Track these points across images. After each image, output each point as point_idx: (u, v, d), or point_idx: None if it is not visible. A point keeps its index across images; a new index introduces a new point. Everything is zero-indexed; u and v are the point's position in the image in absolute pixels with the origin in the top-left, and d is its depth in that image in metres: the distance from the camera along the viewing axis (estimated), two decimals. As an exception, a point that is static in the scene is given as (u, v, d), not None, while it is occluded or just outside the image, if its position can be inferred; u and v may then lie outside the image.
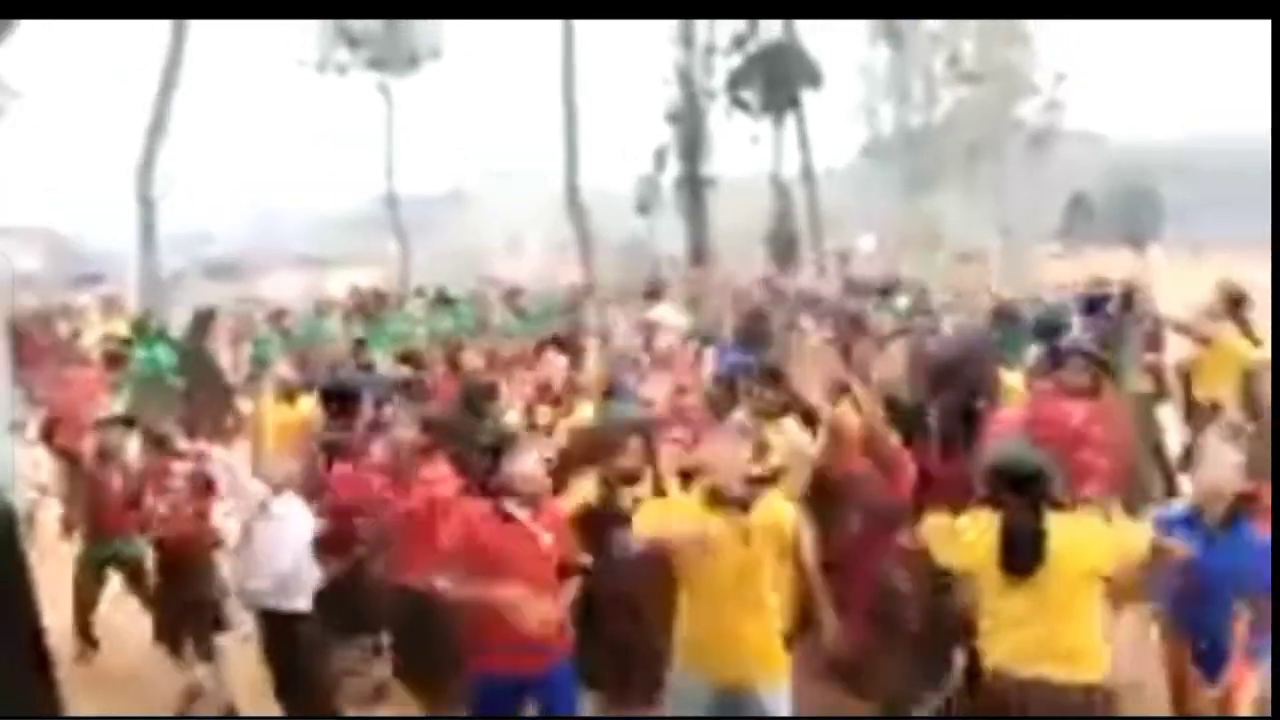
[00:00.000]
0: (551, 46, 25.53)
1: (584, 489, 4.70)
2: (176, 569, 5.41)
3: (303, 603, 4.76)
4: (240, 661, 5.51)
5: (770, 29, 25.48)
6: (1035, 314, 8.30)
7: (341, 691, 5.16)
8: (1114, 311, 7.98)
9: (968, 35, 29.34)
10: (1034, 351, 6.63)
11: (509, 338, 10.73)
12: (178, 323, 11.54)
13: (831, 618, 4.26)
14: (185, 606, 5.38)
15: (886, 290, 11.28)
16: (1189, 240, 28.69)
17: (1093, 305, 8.36)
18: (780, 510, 3.93)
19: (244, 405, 8.91)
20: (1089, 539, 3.60)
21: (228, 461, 5.25)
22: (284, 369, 7.47)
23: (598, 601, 4.43)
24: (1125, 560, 3.61)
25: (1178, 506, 4.25)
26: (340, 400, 5.92)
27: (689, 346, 8.00)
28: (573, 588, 4.24)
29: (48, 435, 7.77)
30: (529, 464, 4.13)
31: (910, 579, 4.39)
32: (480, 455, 4.26)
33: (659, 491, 4.53)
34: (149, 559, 5.77)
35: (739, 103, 25.93)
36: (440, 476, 4.86)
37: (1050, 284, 13.81)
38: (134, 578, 6.00)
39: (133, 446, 5.96)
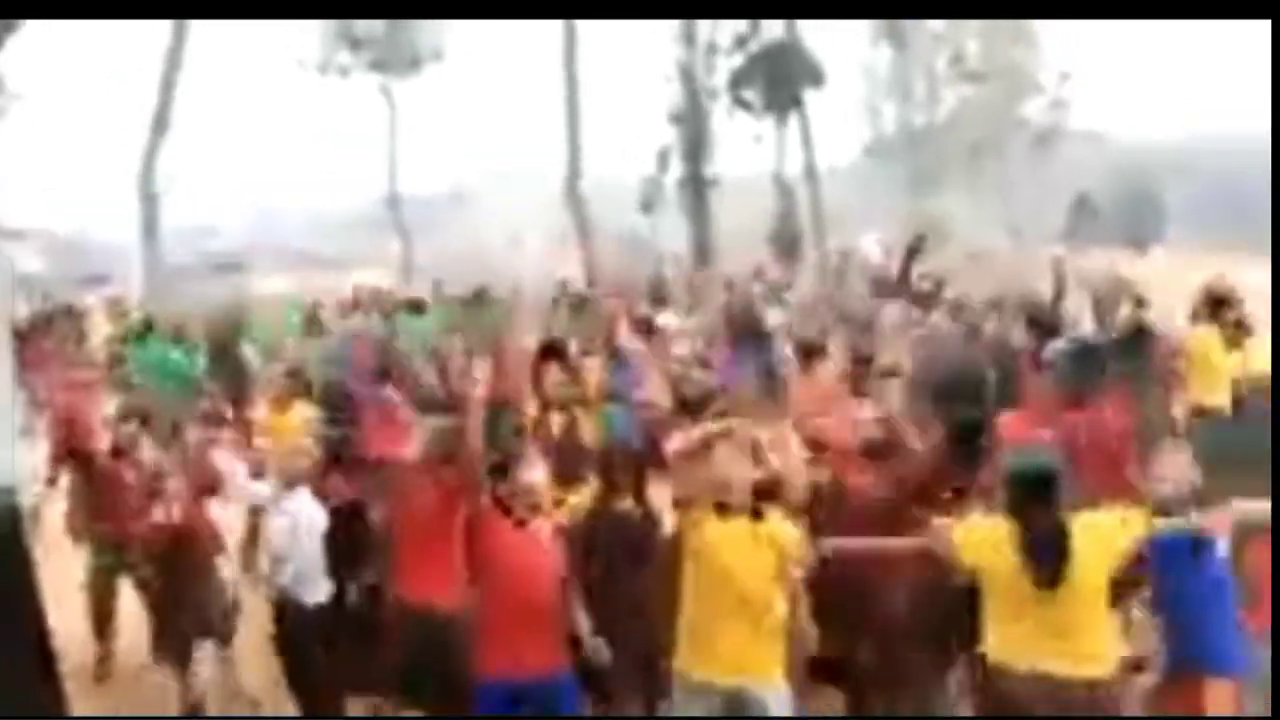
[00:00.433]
0: (553, 46, 25.60)
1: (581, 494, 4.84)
2: (178, 571, 5.35)
3: (318, 594, 4.78)
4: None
5: (772, 28, 25.50)
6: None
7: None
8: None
9: (971, 34, 29.37)
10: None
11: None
12: (180, 322, 11.58)
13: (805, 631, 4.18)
14: (188, 611, 5.31)
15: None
16: (1192, 242, 28.64)
17: None
18: (785, 527, 3.99)
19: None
20: (1103, 533, 3.64)
21: (231, 465, 5.26)
22: (280, 372, 7.45)
23: (604, 606, 4.47)
24: (1128, 552, 3.66)
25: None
26: (338, 404, 5.95)
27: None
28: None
29: (62, 442, 7.70)
30: (536, 476, 4.23)
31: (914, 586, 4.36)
32: (491, 466, 4.33)
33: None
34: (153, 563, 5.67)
35: (741, 102, 25.91)
36: (447, 488, 4.80)
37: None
38: (144, 585, 5.96)
39: (146, 444, 5.94)
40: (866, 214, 30.24)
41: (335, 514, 5.05)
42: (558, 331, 9.32)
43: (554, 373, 5.99)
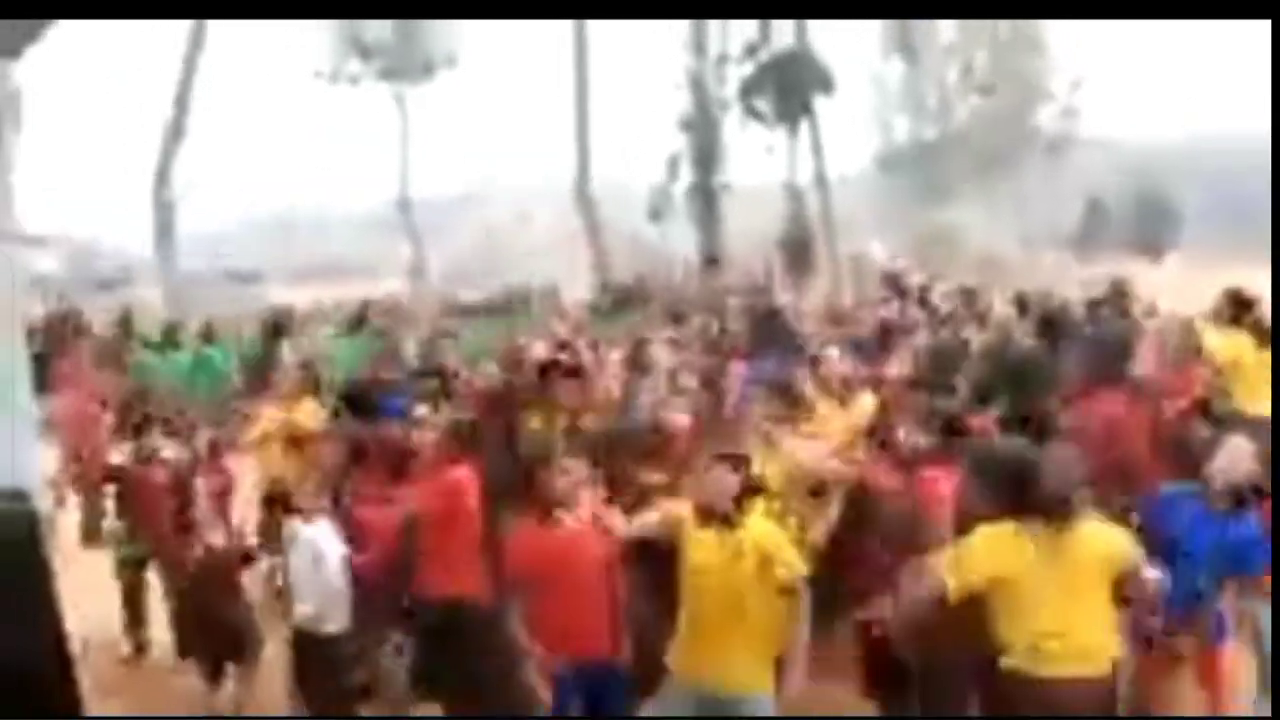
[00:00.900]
0: (565, 52, 25.69)
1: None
2: (204, 584, 5.31)
3: (333, 626, 4.79)
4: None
5: (782, 37, 25.49)
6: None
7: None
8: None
9: (981, 45, 29.38)
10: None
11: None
12: (205, 323, 11.75)
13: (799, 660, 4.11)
14: (214, 625, 5.29)
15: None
16: (1205, 245, 28.51)
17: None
18: (763, 530, 4.01)
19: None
20: (1111, 542, 3.72)
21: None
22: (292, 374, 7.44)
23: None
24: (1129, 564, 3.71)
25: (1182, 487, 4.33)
26: (361, 406, 5.97)
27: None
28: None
29: (73, 463, 7.75)
30: (568, 475, 4.26)
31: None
32: (518, 466, 4.42)
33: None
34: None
35: (753, 112, 25.91)
36: (464, 485, 4.81)
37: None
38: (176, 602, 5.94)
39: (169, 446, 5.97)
40: (877, 223, 30.29)
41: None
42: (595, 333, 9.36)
43: (563, 385, 6.01)
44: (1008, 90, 29.05)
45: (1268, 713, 4.30)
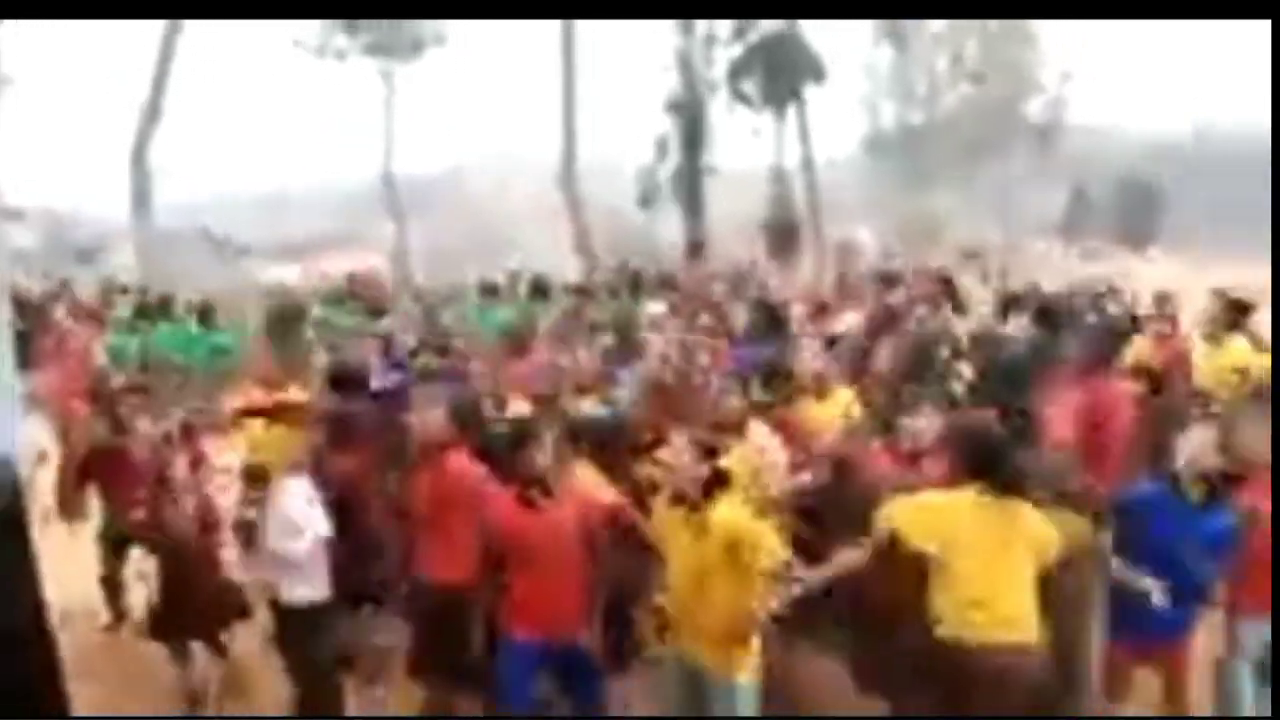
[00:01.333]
0: (553, 31, 25.54)
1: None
2: (184, 561, 5.23)
3: (310, 591, 4.72)
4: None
5: (772, 20, 25.37)
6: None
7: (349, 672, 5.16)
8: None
9: (972, 34, 29.38)
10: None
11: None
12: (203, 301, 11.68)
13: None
14: (196, 601, 5.21)
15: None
16: (1191, 240, 28.67)
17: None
18: (731, 515, 3.98)
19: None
20: (1047, 529, 3.82)
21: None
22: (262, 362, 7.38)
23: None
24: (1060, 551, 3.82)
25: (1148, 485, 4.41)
26: (347, 385, 5.93)
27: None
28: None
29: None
30: (547, 453, 4.28)
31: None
32: (501, 445, 4.42)
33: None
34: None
35: (740, 95, 25.83)
36: (465, 469, 4.74)
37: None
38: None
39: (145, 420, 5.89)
40: (863, 208, 30.31)
41: (334, 507, 4.99)
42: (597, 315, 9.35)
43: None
44: (998, 80, 29.08)
45: (1268, 713, 4.34)
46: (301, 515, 4.69)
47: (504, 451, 4.45)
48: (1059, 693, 3.83)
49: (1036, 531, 3.79)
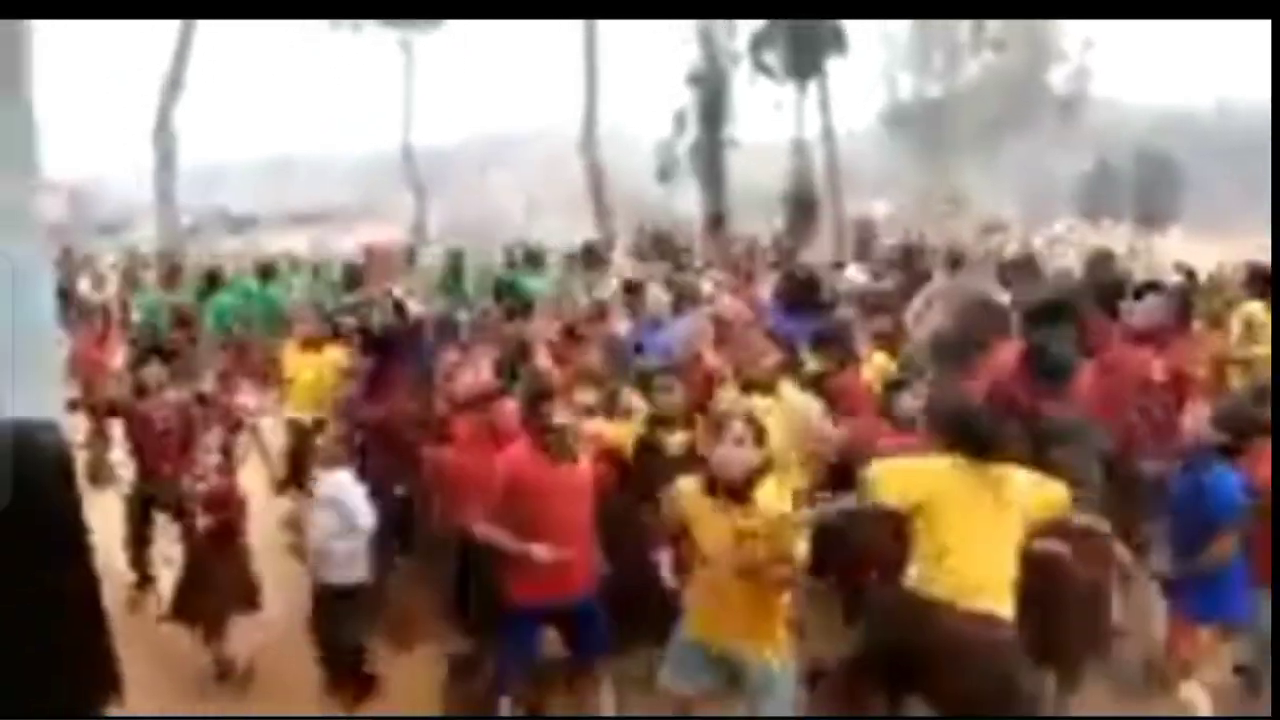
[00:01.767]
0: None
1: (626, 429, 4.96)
2: (210, 541, 5.21)
3: (352, 575, 4.81)
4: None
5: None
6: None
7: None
8: None
9: (994, 0, 28.99)
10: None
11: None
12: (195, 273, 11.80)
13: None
14: (221, 581, 5.19)
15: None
16: (1210, 214, 28.37)
17: None
18: (774, 504, 3.85)
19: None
20: (1029, 490, 3.74)
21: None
22: (305, 319, 7.49)
23: (622, 539, 4.58)
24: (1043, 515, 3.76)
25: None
26: (381, 348, 6.22)
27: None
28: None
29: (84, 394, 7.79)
30: (568, 417, 4.35)
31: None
32: (526, 400, 4.45)
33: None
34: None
35: (762, 67, 25.60)
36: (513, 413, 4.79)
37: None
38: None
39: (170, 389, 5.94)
40: (882, 181, 30.09)
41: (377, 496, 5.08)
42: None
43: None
44: (1019, 47, 28.73)
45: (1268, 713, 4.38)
46: (355, 505, 4.76)
47: (525, 405, 4.47)
48: (1020, 680, 3.62)
49: (1023, 495, 3.69)
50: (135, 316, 10.57)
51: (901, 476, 3.82)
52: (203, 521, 5.21)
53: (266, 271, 11.38)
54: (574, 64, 25.89)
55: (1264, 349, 6.72)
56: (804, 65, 25.29)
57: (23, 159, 3.16)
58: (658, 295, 7.58)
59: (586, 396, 5.14)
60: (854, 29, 25.94)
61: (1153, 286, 6.46)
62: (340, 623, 4.85)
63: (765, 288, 8.99)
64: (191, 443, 5.39)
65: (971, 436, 3.75)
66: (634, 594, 4.51)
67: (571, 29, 25.55)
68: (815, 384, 5.47)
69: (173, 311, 9.70)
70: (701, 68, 25.53)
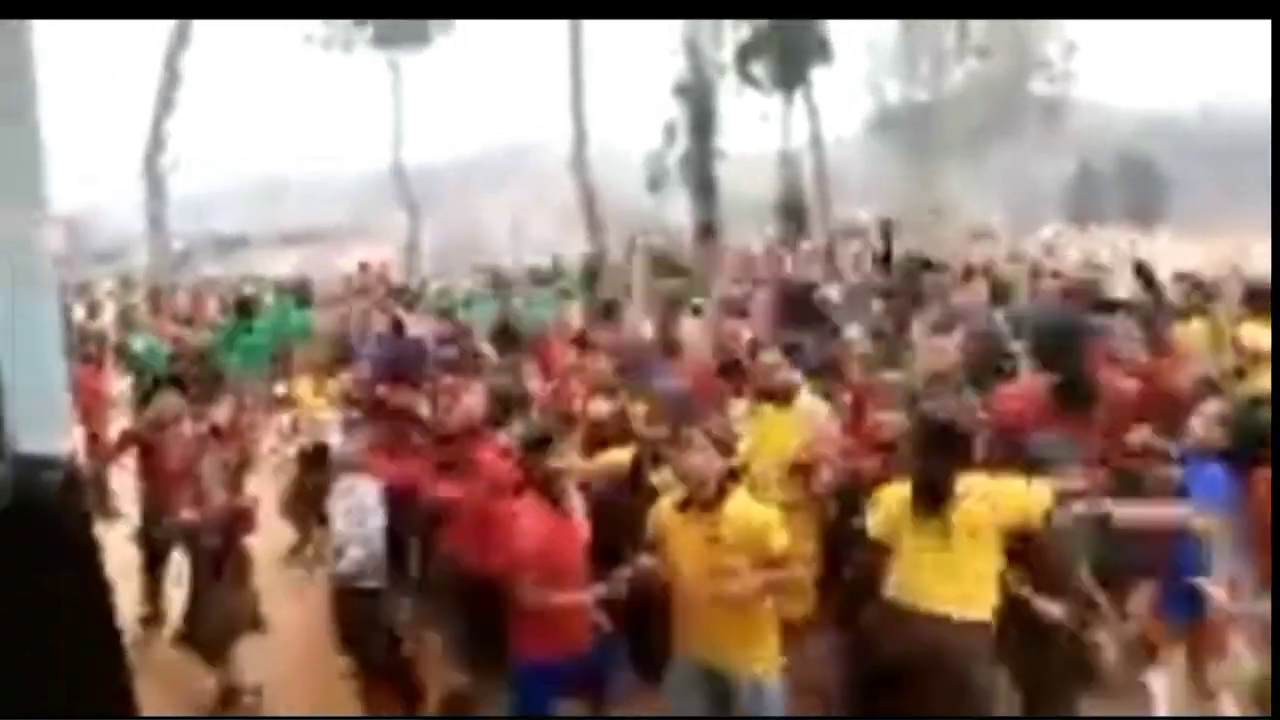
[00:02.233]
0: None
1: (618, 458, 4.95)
2: (215, 564, 5.27)
3: (374, 581, 4.81)
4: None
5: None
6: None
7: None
8: None
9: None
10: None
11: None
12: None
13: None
14: (226, 605, 5.25)
15: None
16: (1196, 217, 28.53)
17: None
18: (748, 510, 3.87)
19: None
20: (997, 496, 3.83)
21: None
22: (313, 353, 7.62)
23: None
24: (1026, 518, 3.84)
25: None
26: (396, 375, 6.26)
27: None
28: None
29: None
30: (574, 457, 4.39)
31: None
32: (525, 446, 4.35)
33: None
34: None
35: (749, 78, 25.74)
36: (499, 459, 4.82)
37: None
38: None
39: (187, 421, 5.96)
40: (869, 188, 30.17)
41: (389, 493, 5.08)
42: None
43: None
44: (1004, 54, 28.89)
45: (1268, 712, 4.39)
46: (366, 504, 4.79)
47: (523, 452, 4.35)
48: (977, 676, 3.77)
49: (986, 502, 3.79)
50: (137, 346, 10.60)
51: (880, 505, 4.05)
52: (208, 541, 5.27)
53: (302, 294, 11.68)
54: (561, 79, 26.03)
55: (1264, 381, 6.30)
56: (790, 75, 25.44)
57: (30, 190, 3.17)
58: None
59: (600, 407, 5.20)
60: (839, 37, 26.15)
61: (1117, 306, 6.53)
62: (362, 618, 4.81)
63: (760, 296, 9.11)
64: (201, 475, 5.43)
65: (947, 450, 3.88)
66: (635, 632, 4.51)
67: (558, 43, 25.66)
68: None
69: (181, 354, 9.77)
70: (688, 79, 25.65)
